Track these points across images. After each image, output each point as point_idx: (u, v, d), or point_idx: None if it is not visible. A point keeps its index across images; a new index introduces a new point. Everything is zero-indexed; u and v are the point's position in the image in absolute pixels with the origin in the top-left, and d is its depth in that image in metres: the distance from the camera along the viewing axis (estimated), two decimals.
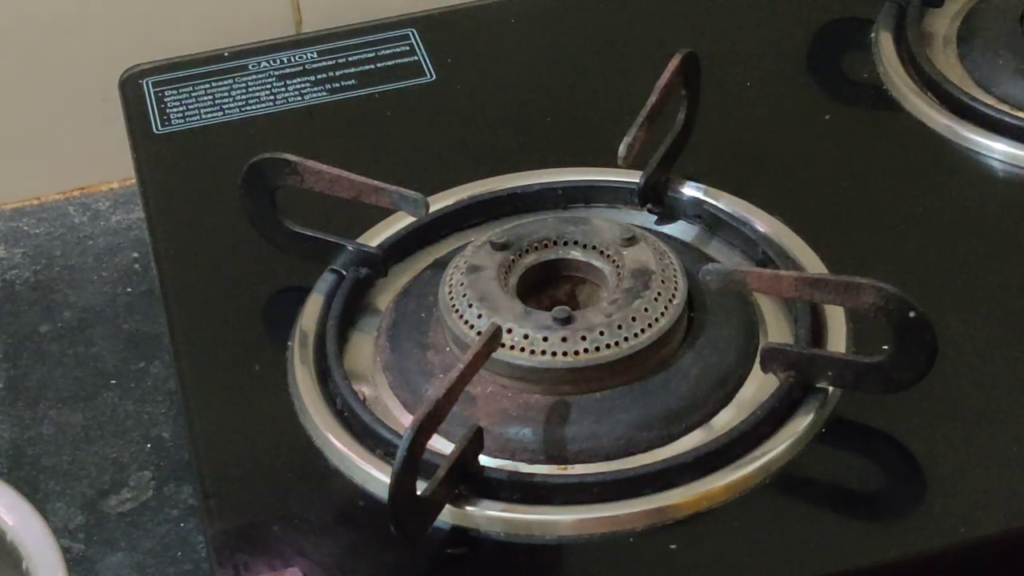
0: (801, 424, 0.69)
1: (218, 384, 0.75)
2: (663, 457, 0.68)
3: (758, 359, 0.71)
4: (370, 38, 0.94)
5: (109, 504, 0.79)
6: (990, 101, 0.85)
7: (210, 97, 0.91)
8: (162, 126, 0.89)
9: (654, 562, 0.66)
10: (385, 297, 0.78)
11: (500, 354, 0.69)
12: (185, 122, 0.89)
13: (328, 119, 0.89)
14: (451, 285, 0.73)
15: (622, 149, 0.75)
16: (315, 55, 0.93)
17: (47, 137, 0.98)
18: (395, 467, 0.63)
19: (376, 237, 0.79)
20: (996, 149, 0.83)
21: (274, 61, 0.93)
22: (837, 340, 0.72)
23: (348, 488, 0.69)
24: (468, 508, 0.66)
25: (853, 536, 0.66)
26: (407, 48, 0.93)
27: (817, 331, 0.73)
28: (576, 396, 0.70)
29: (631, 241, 0.73)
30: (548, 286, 0.75)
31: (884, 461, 0.68)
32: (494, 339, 0.68)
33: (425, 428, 0.64)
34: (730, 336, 0.73)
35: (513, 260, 0.74)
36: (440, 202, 0.81)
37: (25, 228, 0.96)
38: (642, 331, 0.70)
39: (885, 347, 0.68)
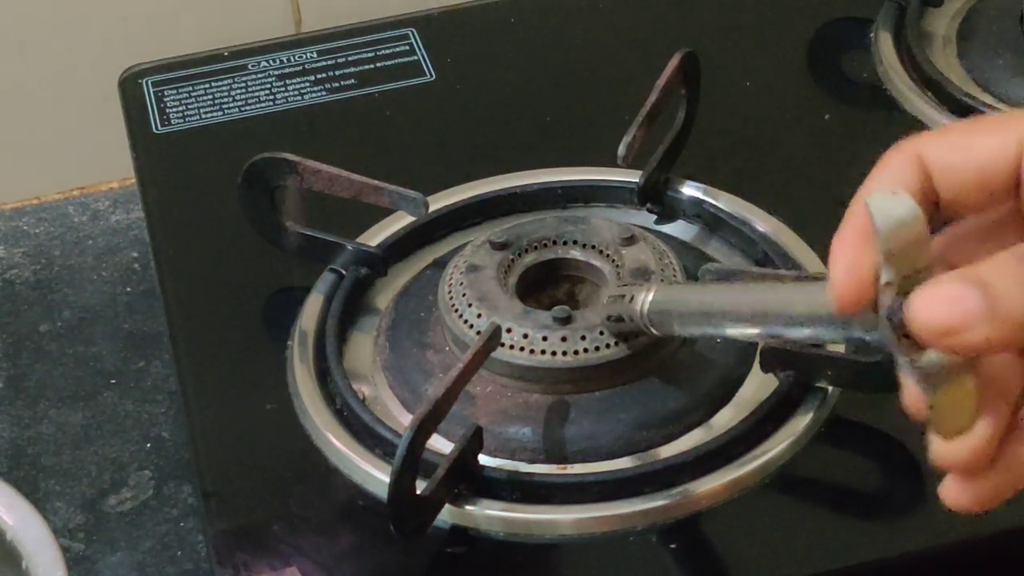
0: (800, 424, 0.69)
1: (218, 384, 0.75)
2: (663, 456, 0.68)
3: (757, 358, 0.71)
4: (370, 38, 0.94)
5: (109, 504, 0.79)
6: (990, 101, 0.85)
7: (210, 97, 0.91)
8: (162, 126, 0.89)
9: (654, 561, 0.66)
10: (385, 297, 0.78)
11: (500, 353, 0.69)
12: (185, 122, 0.89)
13: (328, 119, 0.89)
14: (451, 285, 0.73)
15: (622, 149, 0.75)
16: (315, 55, 0.93)
17: (47, 137, 0.98)
18: (395, 466, 0.63)
19: (376, 237, 0.79)
20: None
21: (274, 61, 0.93)
22: None
23: (348, 487, 0.69)
24: (468, 507, 0.66)
25: (852, 535, 0.66)
26: (407, 48, 0.93)
27: None
28: (576, 395, 0.70)
29: (630, 241, 0.73)
30: (547, 286, 0.75)
31: (883, 460, 0.68)
32: (493, 338, 0.68)
33: (425, 427, 0.64)
34: None
35: (512, 260, 0.74)
36: (440, 202, 0.81)
37: (25, 228, 0.96)
38: None
39: None
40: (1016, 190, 0.49)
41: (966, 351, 0.46)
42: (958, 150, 0.49)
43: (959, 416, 0.48)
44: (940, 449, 0.48)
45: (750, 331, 0.56)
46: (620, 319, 0.68)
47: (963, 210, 0.50)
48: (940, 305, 0.46)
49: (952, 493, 0.49)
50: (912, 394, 0.48)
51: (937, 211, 0.50)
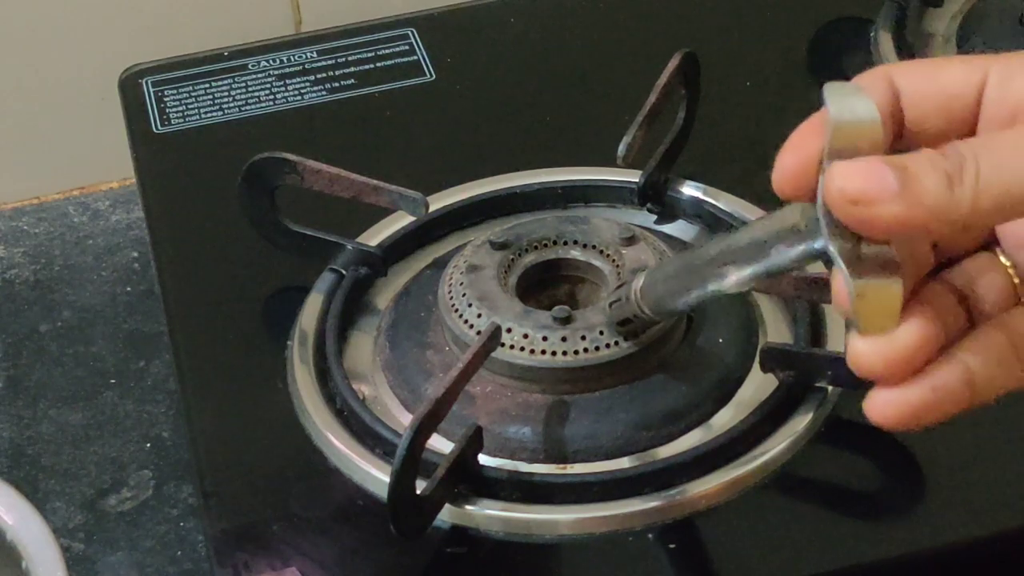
0: (800, 423, 0.69)
1: (218, 384, 0.75)
2: (662, 456, 0.68)
3: (757, 358, 0.71)
4: (370, 38, 0.94)
5: (109, 503, 0.79)
6: None
7: (210, 97, 0.91)
8: (162, 126, 0.89)
9: (654, 561, 0.66)
10: (385, 296, 0.78)
11: (500, 353, 0.69)
12: (185, 122, 0.89)
13: (328, 119, 0.89)
14: (451, 284, 0.73)
15: (622, 148, 0.75)
16: (315, 55, 0.93)
17: (47, 137, 0.98)
18: (394, 466, 0.63)
19: (376, 236, 0.79)
20: None
21: (274, 61, 0.93)
22: (837, 340, 0.72)
23: (348, 487, 0.69)
24: (467, 507, 0.66)
25: (852, 535, 0.66)
26: (407, 48, 0.93)
27: (817, 331, 0.73)
28: (575, 395, 0.70)
29: (630, 240, 0.73)
30: (548, 285, 0.75)
31: (883, 461, 0.68)
32: (493, 338, 0.68)
33: (425, 427, 0.64)
34: (729, 336, 0.73)
35: (513, 259, 0.74)
36: (440, 202, 0.81)
37: (25, 228, 0.96)
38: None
39: None
40: (974, 123, 0.51)
41: (875, 226, 0.47)
42: (926, 76, 0.52)
43: (881, 317, 0.49)
44: (857, 347, 0.49)
45: (731, 277, 0.56)
46: (619, 302, 0.67)
47: (924, 136, 0.52)
48: (857, 174, 0.47)
49: (874, 402, 0.50)
50: (840, 288, 0.49)
51: (900, 137, 0.52)
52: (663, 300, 0.65)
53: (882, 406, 0.50)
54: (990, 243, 0.53)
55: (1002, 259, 0.52)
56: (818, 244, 0.50)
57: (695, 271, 0.60)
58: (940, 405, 0.49)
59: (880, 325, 0.49)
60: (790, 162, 0.50)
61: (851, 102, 0.49)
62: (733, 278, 0.56)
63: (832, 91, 0.49)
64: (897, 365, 0.49)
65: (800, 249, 0.51)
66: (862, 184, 0.47)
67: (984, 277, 0.52)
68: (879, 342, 0.49)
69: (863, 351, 0.49)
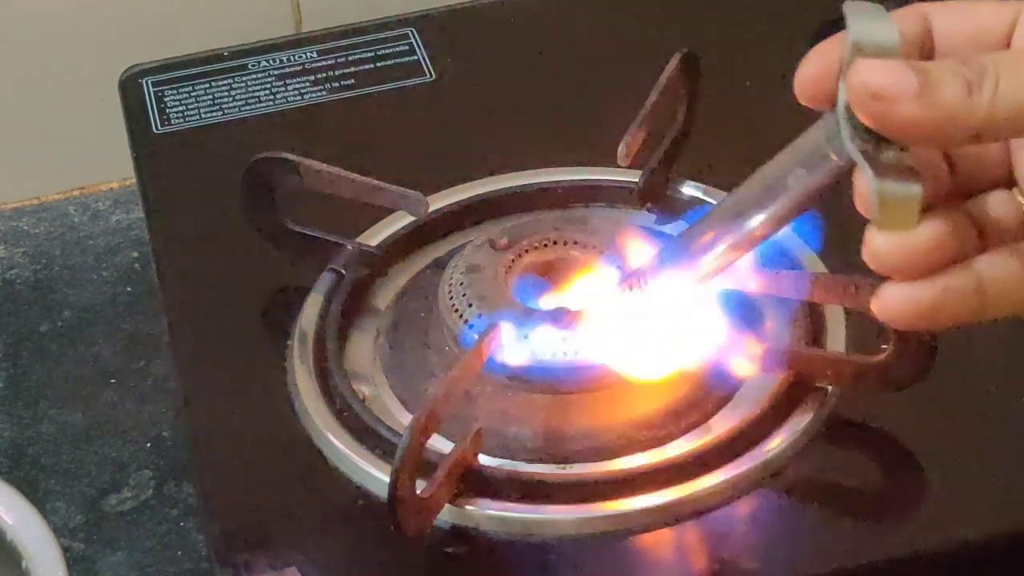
0: (800, 423, 0.69)
1: (218, 384, 0.75)
2: (663, 456, 0.68)
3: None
4: (370, 37, 0.94)
5: (109, 503, 0.79)
6: None
7: (210, 97, 0.91)
8: (162, 126, 0.89)
9: (654, 561, 0.66)
10: (385, 297, 0.78)
11: (500, 353, 0.69)
12: (185, 122, 0.89)
13: (328, 119, 0.89)
14: (451, 284, 0.73)
15: (621, 149, 0.75)
16: (315, 55, 0.93)
17: (47, 137, 0.98)
18: (395, 466, 0.63)
19: (376, 237, 0.79)
20: None
21: (274, 61, 0.93)
22: (837, 340, 0.72)
23: (348, 487, 0.69)
24: (468, 507, 0.66)
25: (852, 535, 0.66)
26: (407, 48, 0.93)
27: (817, 331, 0.73)
28: (576, 395, 0.70)
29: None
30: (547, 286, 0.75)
31: (884, 460, 0.68)
32: (493, 339, 0.68)
33: (425, 427, 0.64)
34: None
35: (513, 260, 0.74)
36: (440, 202, 0.81)
37: (25, 228, 0.96)
38: None
39: (884, 347, 0.68)
40: None
41: (892, 124, 0.48)
42: (959, 13, 0.53)
43: (902, 216, 0.49)
44: (876, 241, 0.50)
45: (741, 230, 0.56)
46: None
47: None
48: (879, 70, 0.49)
49: (884, 297, 0.51)
50: (862, 188, 0.50)
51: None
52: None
53: (892, 300, 0.51)
54: (1009, 182, 0.54)
55: (1019, 198, 0.53)
56: (837, 158, 0.51)
57: (708, 232, 0.59)
58: (949, 307, 0.51)
59: (900, 223, 0.50)
60: (812, 68, 0.53)
61: (873, 25, 0.49)
62: (745, 231, 0.56)
63: (854, 11, 0.50)
64: (914, 259, 0.50)
65: (821, 168, 0.52)
66: (884, 80, 0.48)
67: (1000, 210, 0.52)
68: (898, 236, 0.50)
69: (882, 244, 0.50)
